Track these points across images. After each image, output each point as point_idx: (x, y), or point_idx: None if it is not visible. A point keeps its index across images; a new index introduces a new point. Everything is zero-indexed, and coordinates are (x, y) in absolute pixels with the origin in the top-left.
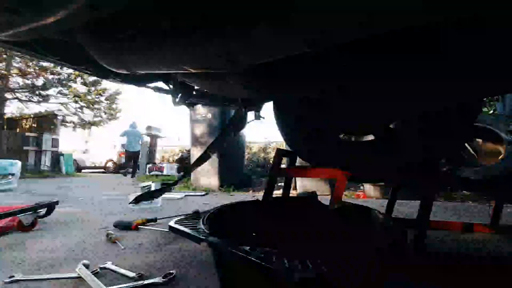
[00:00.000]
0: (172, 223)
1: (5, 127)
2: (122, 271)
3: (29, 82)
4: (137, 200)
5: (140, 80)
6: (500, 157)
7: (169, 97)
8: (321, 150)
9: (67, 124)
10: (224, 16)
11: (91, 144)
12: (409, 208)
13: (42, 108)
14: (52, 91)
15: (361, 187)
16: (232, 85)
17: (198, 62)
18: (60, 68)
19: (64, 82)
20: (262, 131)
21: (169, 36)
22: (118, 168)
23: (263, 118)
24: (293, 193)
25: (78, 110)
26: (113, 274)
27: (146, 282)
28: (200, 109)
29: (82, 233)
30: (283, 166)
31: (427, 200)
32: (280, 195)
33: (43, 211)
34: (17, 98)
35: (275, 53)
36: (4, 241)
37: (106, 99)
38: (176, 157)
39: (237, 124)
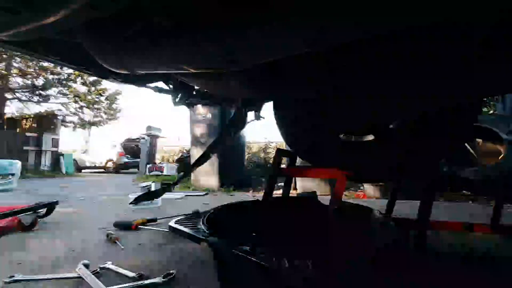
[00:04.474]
0: (172, 223)
1: (5, 127)
2: (122, 271)
3: (29, 82)
4: (137, 200)
5: (140, 80)
6: (500, 157)
7: (169, 97)
8: (321, 150)
9: (67, 124)
10: (223, 16)
11: (91, 144)
12: (409, 208)
13: (42, 108)
14: (52, 91)
15: (361, 187)
16: (232, 85)
17: (198, 62)
18: (60, 68)
19: (64, 82)
20: (262, 131)
21: (169, 36)
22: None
23: (263, 118)
24: (293, 193)
25: (78, 110)
26: (113, 274)
27: (146, 282)
28: (200, 109)
29: (82, 233)
30: (283, 166)
31: (427, 200)
32: (280, 195)
33: (43, 211)
34: (17, 98)
35: (275, 53)
36: (4, 241)
37: (106, 99)
38: (176, 157)
39: (237, 124)
